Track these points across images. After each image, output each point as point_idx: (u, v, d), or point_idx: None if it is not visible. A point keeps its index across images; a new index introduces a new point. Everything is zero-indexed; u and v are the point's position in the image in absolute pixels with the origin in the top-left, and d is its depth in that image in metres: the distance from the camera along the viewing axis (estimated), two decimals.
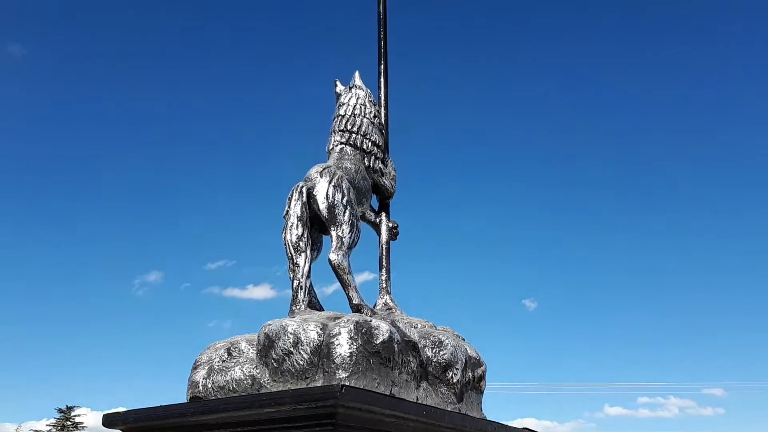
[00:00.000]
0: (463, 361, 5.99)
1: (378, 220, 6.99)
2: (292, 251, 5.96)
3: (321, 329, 5.19)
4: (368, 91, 7.05)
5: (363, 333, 5.11)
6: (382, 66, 7.37)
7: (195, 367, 5.69)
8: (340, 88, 7.06)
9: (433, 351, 5.77)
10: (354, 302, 5.93)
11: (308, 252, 5.99)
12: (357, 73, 7.08)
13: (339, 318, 5.38)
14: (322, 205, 6.06)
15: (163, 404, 5.31)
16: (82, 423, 46.52)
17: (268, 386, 5.19)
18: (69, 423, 46.31)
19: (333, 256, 5.95)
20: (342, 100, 6.96)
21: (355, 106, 6.87)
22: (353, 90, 6.99)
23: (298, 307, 5.80)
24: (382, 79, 7.35)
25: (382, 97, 7.32)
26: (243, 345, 5.64)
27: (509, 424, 6.40)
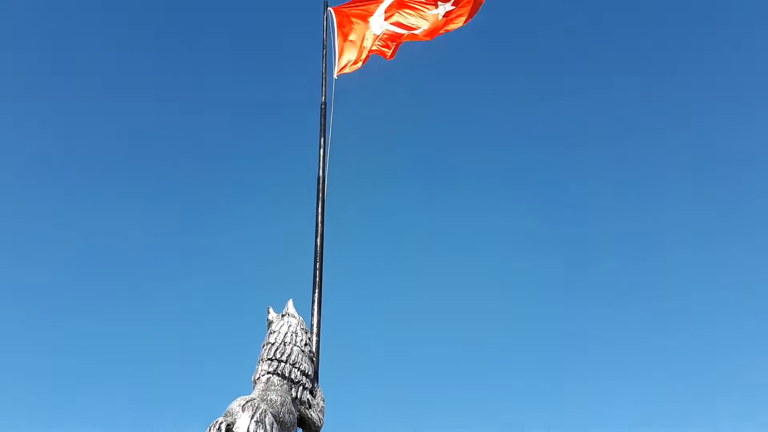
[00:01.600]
0: None
1: None
2: None
3: None
4: (301, 318, 7.03)
5: None
6: (317, 294, 7.47)
7: None
8: (272, 315, 7.02)
9: None
10: None
11: None
12: (290, 302, 7.09)
13: None
14: None
15: None
16: None
17: None
18: None
19: None
20: (273, 327, 6.88)
21: (286, 333, 6.79)
22: (285, 318, 6.95)
23: None
24: (315, 307, 7.40)
25: (315, 324, 7.31)
26: None
27: None
